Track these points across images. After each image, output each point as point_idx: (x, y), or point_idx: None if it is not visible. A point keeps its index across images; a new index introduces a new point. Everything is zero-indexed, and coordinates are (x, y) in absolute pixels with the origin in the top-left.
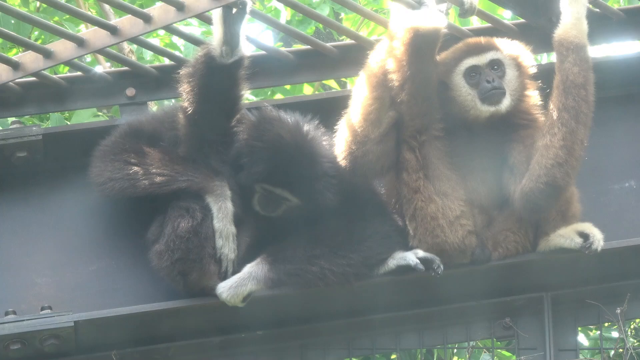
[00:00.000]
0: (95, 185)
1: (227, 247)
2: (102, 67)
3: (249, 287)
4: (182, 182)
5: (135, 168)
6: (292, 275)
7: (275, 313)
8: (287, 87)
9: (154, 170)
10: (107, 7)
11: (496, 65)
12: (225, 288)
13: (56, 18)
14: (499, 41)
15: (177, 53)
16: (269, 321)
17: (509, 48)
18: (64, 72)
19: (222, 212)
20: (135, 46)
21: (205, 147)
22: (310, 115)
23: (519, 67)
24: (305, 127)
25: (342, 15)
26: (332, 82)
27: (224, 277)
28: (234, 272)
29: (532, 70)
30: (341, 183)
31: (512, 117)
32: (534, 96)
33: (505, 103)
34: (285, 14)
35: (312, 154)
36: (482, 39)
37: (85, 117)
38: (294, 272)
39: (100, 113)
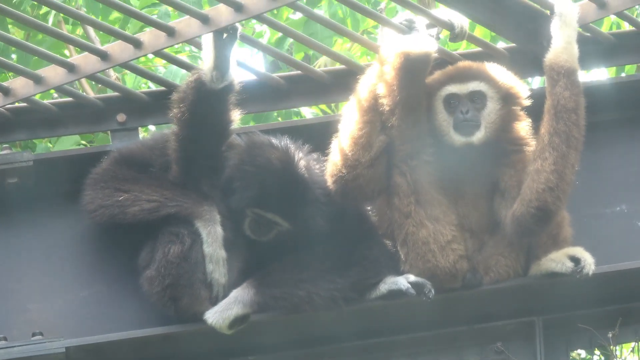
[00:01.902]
0: (86, 213)
1: (217, 271)
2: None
3: (235, 311)
4: (171, 208)
5: (125, 195)
6: (278, 299)
7: (270, 338)
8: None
9: (144, 197)
10: (92, 33)
11: (477, 97)
12: (211, 313)
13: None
14: (487, 71)
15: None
16: (264, 346)
17: (498, 79)
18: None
19: (211, 237)
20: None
21: (195, 172)
22: (301, 140)
23: (505, 99)
24: (296, 153)
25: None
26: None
27: (215, 302)
28: (225, 297)
29: (524, 101)
30: (332, 208)
31: (501, 143)
32: (524, 124)
33: (478, 136)
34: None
35: (303, 179)
36: (471, 67)
37: (68, 145)
38: (281, 295)
39: (83, 142)
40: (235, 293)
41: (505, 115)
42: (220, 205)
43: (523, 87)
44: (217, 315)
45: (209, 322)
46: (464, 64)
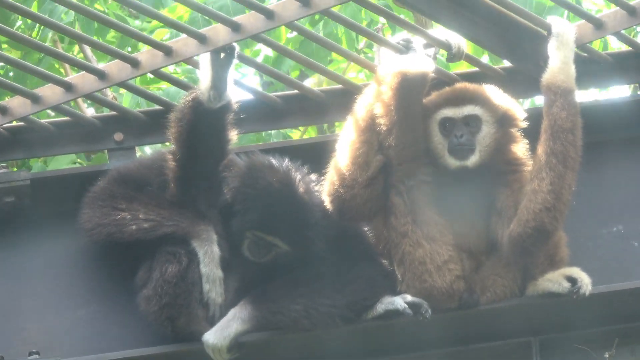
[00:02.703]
0: (84, 231)
1: (214, 291)
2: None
3: (234, 328)
4: (168, 227)
5: (123, 214)
6: (276, 313)
7: (267, 358)
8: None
9: (141, 216)
10: (89, 52)
11: (471, 121)
12: (211, 334)
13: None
14: (483, 94)
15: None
16: None
17: (493, 102)
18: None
19: (208, 257)
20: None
21: (193, 191)
22: (298, 160)
23: (501, 121)
24: (296, 175)
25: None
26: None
27: (211, 321)
28: (222, 317)
29: (520, 123)
30: (330, 229)
31: (497, 164)
32: (520, 145)
33: (473, 160)
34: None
35: (303, 202)
36: (467, 90)
37: (63, 164)
38: (278, 310)
39: (79, 160)
40: (233, 311)
41: (501, 137)
42: (218, 224)
43: (519, 109)
44: (218, 334)
45: (209, 343)
46: (459, 86)
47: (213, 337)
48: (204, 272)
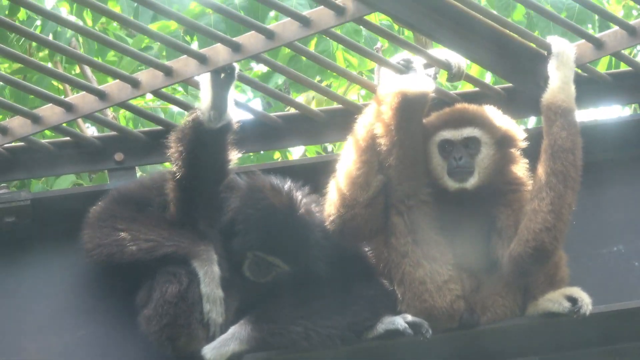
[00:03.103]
0: (85, 251)
1: (214, 311)
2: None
3: (232, 347)
4: (168, 248)
5: (123, 234)
6: (275, 335)
7: None
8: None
9: (141, 236)
10: (89, 72)
11: (470, 143)
12: (209, 349)
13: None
14: (482, 116)
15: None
16: None
17: (492, 124)
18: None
19: (208, 277)
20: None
21: (193, 211)
22: (300, 180)
23: (500, 143)
24: (298, 195)
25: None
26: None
27: (211, 341)
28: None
29: (520, 144)
30: (331, 249)
31: (497, 185)
32: (520, 165)
33: (472, 182)
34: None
35: (305, 223)
36: (466, 112)
37: (65, 184)
38: (278, 331)
39: (81, 181)
40: (232, 329)
41: (501, 158)
42: (218, 244)
43: (519, 130)
44: (215, 351)
45: (206, 357)
46: (458, 108)
47: (210, 353)
48: (205, 292)
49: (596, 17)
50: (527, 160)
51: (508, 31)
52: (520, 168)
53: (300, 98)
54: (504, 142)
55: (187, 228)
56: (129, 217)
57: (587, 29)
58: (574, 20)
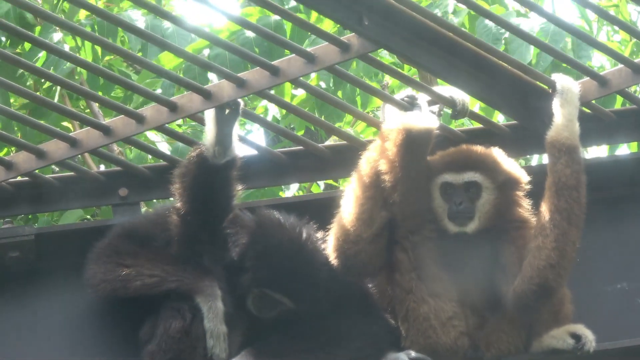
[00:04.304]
0: (89, 287)
1: (218, 347)
2: (91, 168)
3: None
4: (172, 283)
5: (127, 270)
6: None
7: None
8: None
9: (145, 272)
10: (95, 108)
11: (472, 187)
12: None
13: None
14: (485, 160)
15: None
16: None
17: (495, 168)
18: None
19: (212, 312)
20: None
21: (197, 247)
22: (305, 216)
23: (502, 187)
24: (305, 233)
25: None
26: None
27: None
28: None
29: (524, 187)
30: (335, 286)
31: (500, 224)
32: (523, 206)
33: (472, 226)
34: (272, 112)
35: (312, 261)
36: (469, 156)
37: (72, 219)
38: None
39: (88, 216)
40: None
41: (502, 202)
42: (222, 280)
43: (522, 173)
44: None
45: None
46: (462, 150)
47: None
48: (208, 328)
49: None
50: (531, 201)
51: (513, 69)
52: (523, 209)
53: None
54: (506, 185)
55: (191, 263)
56: (132, 252)
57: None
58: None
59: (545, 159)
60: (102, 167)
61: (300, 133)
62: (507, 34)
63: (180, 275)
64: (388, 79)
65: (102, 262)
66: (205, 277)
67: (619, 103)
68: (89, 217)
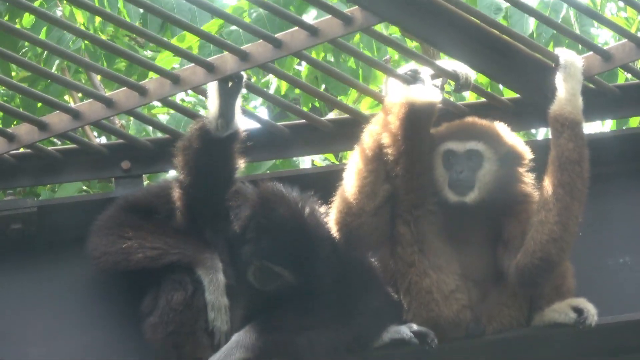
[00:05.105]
0: (91, 259)
1: (219, 319)
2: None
3: (237, 356)
4: (173, 256)
5: (129, 242)
6: (279, 345)
7: None
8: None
9: (147, 244)
10: (96, 80)
11: (473, 156)
12: (214, 359)
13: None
14: (489, 131)
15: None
16: None
17: (498, 140)
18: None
19: (213, 285)
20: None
21: (199, 219)
22: (308, 189)
23: (504, 160)
24: (308, 207)
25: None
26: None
27: (217, 349)
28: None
29: (527, 163)
30: (337, 260)
31: (503, 198)
32: (526, 180)
33: (471, 196)
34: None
35: (313, 235)
36: (474, 126)
37: (71, 191)
38: (282, 342)
39: (85, 187)
40: (236, 337)
41: (504, 175)
42: (224, 252)
43: (525, 148)
44: None
45: None
46: (467, 121)
47: None
48: (209, 300)
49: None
50: (533, 175)
51: (516, 42)
52: (526, 184)
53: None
54: (508, 159)
55: (193, 236)
56: (135, 224)
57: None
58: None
59: (548, 133)
60: (103, 139)
61: (305, 109)
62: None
63: (182, 247)
64: (390, 55)
65: (104, 234)
66: (207, 250)
67: (621, 79)
68: (85, 187)
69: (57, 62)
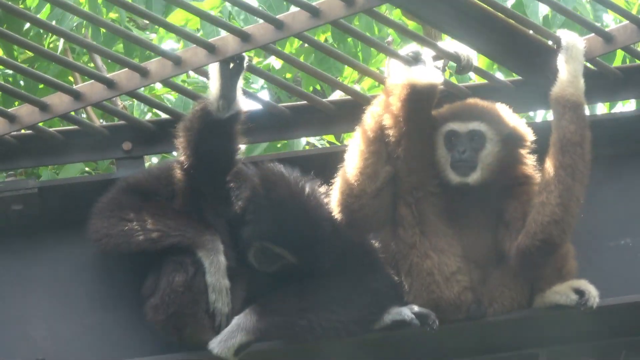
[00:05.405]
0: (92, 241)
1: (220, 301)
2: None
3: (239, 339)
4: (174, 238)
5: (130, 225)
6: (280, 327)
7: None
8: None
9: (148, 227)
10: (99, 62)
11: (476, 137)
12: (216, 343)
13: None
14: (491, 112)
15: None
16: None
17: (500, 121)
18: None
19: (214, 267)
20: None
21: (200, 201)
22: (308, 171)
23: (506, 141)
24: (308, 188)
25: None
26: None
27: (218, 330)
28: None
29: (528, 144)
30: (338, 242)
31: (504, 179)
32: (527, 162)
33: (474, 177)
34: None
35: (314, 216)
36: (476, 106)
37: (73, 172)
38: (283, 324)
39: (88, 168)
40: (237, 320)
41: (506, 157)
42: (224, 233)
43: (527, 130)
44: (222, 344)
45: (214, 352)
46: (469, 102)
47: (217, 347)
48: (210, 282)
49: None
50: (535, 156)
51: (518, 24)
52: (527, 166)
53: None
54: (510, 140)
55: (194, 217)
56: (136, 206)
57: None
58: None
59: (546, 115)
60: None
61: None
62: None
63: (182, 229)
64: (392, 37)
65: (106, 216)
66: (207, 231)
67: (618, 60)
68: (87, 169)
69: (61, 42)
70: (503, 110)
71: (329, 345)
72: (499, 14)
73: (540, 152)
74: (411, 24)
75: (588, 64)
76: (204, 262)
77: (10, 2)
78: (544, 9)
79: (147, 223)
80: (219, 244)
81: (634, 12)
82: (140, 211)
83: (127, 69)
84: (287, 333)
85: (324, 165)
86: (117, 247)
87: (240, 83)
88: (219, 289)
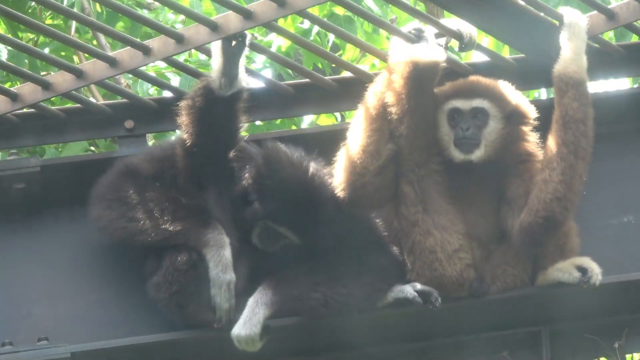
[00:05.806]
0: (97, 227)
1: (219, 296)
2: (97, 100)
3: (262, 313)
4: (178, 240)
5: (130, 224)
6: (295, 301)
7: (278, 345)
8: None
9: (149, 229)
10: (103, 40)
11: (479, 114)
12: (239, 327)
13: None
14: (494, 89)
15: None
16: (267, 354)
17: (503, 98)
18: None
19: (213, 261)
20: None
21: (203, 180)
22: (311, 149)
23: (509, 118)
24: (312, 168)
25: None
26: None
27: (218, 322)
28: (229, 318)
29: (530, 121)
30: (342, 220)
31: (507, 156)
32: (530, 139)
33: (477, 154)
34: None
35: (318, 196)
36: (479, 83)
37: (76, 150)
38: (298, 296)
39: (92, 147)
40: (253, 298)
41: (509, 134)
42: (227, 212)
43: (530, 107)
44: (247, 324)
45: (241, 336)
46: (471, 79)
47: (243, 329)
48: (212, 277)
49: None
50: (538, 133)
51: (520, 1)
52: (530, 143)
53: None
54: (513, 117)
55: (196, 209)
56: (137, 198)
57: None
58: None
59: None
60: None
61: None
62: None
63: (186, 227)
64: (396, 15)
65: (106, 205)
66: (210, 227)
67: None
68: (92, 149)
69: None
70: (506, 87)
71: (332, 322)
72: None
73: (543, 130)
74: (413, 1)
75: (591, 42)
76: (208, 260)
77: None
78: None
79: (148, 224)
80: (223, 238)
81: None
82: (142, 204)
83: (129, 47)
84: (301, 307)
85: (327, 143)
86: (121, 239)
87: (243, 61)
88: (219, 284)
